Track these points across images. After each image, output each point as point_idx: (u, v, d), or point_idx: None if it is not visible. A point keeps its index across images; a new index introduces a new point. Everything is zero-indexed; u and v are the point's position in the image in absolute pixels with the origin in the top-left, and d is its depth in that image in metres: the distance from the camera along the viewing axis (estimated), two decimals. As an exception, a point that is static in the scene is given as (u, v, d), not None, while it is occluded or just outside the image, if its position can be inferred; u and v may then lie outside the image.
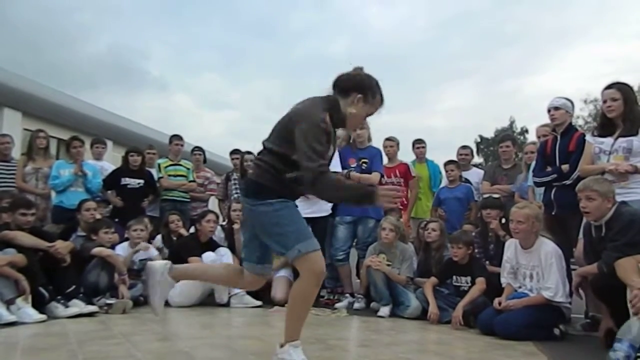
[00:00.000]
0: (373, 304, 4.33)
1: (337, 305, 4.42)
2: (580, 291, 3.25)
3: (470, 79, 50.15)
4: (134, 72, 48.33)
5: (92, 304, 3.67)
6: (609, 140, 3.41)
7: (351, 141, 4.95)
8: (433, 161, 5.94)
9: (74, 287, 3.68)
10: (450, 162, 5.38)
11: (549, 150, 3.94)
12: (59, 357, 2.33)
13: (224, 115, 58.02)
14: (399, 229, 4.32)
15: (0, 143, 5.38)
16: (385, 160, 5.13)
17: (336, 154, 4.71)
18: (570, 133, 3.87)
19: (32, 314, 3.24)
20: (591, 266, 3.03)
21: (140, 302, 4.16)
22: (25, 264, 3.45)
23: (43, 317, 3.29)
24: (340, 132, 5.15)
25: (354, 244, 4.81)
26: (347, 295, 4.60)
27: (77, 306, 3.54)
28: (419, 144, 5.87)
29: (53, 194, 5.18)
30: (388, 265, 4.22)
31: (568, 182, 3.60)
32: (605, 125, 3.49)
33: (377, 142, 5.10)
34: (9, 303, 3.22)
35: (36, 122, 9.90)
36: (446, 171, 5.33)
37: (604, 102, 3.45)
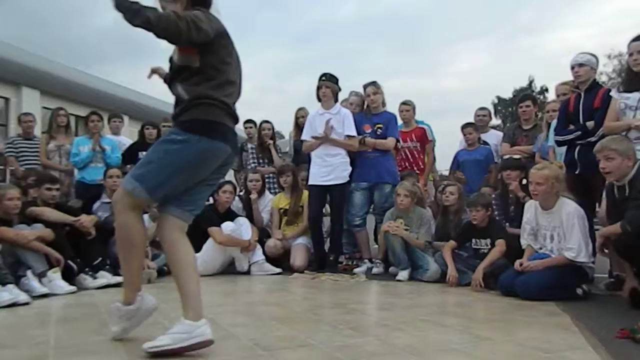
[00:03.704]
0: (392, 269, 4.36)
1: (356, 270, 4.47)
2: (606, 251, 3.20)
3: (486, 38, 48.76)
4: (142, 44, 48.15)
5: (119, 274, 3.78)
6: (635, 95, 3.28)
7: (365, 107, 4.89)
8: (423, 122, 5.70)
9: (100, 259, 3.80)
10: (467, 124, 5.26)
11: (572, 108, 3.81)
12: (90, 326, 2.43)
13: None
14: (414, 194, 4.29)
15: (23, 122, 5.48)
16: (400, 124, 5.06)
17: (351, 118, 4.63)
18: (594, 89, 3.72)
19: (63, 286, 3.37)
20: (614, 226, 2.97)
21: (164, 271, 4.27)
22: (53, 238, 3.57)
23: (73, 288, 3.41)
24: (354, 98, 5.10)
25: (371, 209, 4.81)
26: (366, 260, 4.63)
27: (105, 277, 3.66)
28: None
29: (76, 170, 5.27)
30: (406, 229, 4.22)
31: (593, 139, 3.48)
32: (631, 80, 3.35)
33: (392, 107, 5.02)
34: (40, 276, 3.35)
35: (54, 100, 10.05)
36: (464, 134, 5.22)
37: (631, 54, 3.30)
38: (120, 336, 2.10)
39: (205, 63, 1.94)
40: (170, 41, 1.89)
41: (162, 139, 2.01)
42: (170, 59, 2.04)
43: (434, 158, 5.55)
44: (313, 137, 4.58)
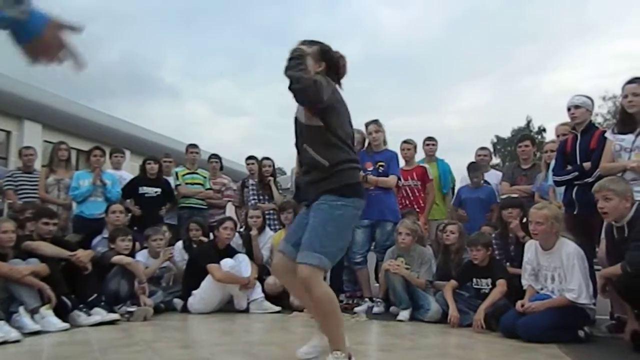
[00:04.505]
0: (392, 308, 4.30)
1: (356, 309, 4.40)
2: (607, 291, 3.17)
3: (486, 78, 49.85)
4: (146, 80, 49.06)
5: (114, 311, 3.72)
6: (629, 137, 3.34)
7: (367, 145, 4.94)
8: (444, 160, 5.78)
9: (95, 295, 3.73)
10: (473, 167, 5.30)
11: (569, 149, 3.87)
12: (83, 365, 2.36)
13: (237, 122, 58.65)
14: (415, 232, 4.29)
15: (24, 155, 5.51)
16: (402, 163, 5.10)
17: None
18: (591, 131, 3.80)
19: (56, 323, 3.29)
20: (615, 267, 2.97)
21: (161, 309, 4.20)
22: (48, 273, 3.51)
23: (66, 325, 3.34)
24: (355, 135, 5.16)
25: (373, 247, 4.78)
26: (366, 299, 4.57)
27: (99, 314, 3.58)
28: (429, 142, 5.72)
29: (74, 204, 5.27)
30: (407, 268, 4.18)
31: (590, 179, 3.53)
32: (625, 122, 3.41)
33: (393, 145, 5.09)
34: (33, 312, 3.28)
35: (56, 134, 10.13)
36: (474, 178, 5.23)
37: (625, 97, 3.37)
38: None
39: (330, 126, 2.18)
40: (299, 94, 2.12)
41: (322, 208, 2.18)
42: (296, 119, 2.27)
43: (452, 196, 5.58)
44: None
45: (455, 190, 5.60)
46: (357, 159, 2.32)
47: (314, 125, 2.18)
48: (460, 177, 5.65)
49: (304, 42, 2.28)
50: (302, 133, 2.25)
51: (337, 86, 2.30)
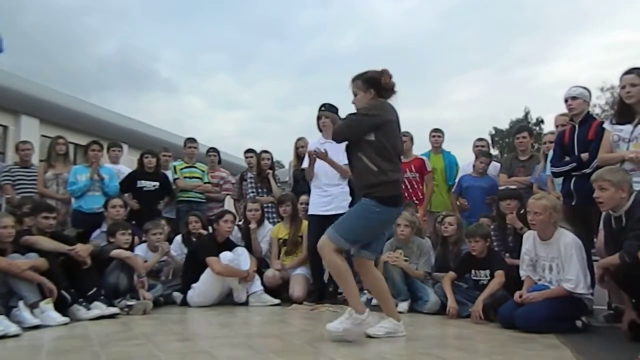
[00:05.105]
0: (391, 300, 4.30)
1: (355, 301, 4.40)
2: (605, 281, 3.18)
3: (483, 70, 49.67)
4: (143, 74, 48.87)
5: (113, 305, 3.72)
6: (628, 127, 3.33)
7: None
8: (450, 152, 5.78)
9: (95, 289, 3.73)
10: (483, 154, 5.31)
11: (567, 140, 3.87)
12: (82, 359, 2.37)
13: (234, 116, 58.55)
14: (414, 224, 4.29)
15: (21, 150, 5.50)
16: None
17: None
18: (588, 122, 3.79)
19: (56, 317, 3.30)
20: (613, 257, 2.97)
21: (160, 302, 4.21)
22: (47, 267, 3.51)
23: (66, 319, 3.34)
24: None
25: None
26: (365, 291, 4.57)
27: (99, 308, 3.58)
28: (435, 133, 5.72)
29: (73, 198, 5.26)
30: (405, 260, 4.19)
31: (588, 170, 3.52)
32: (623, 112, 3.40)
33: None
34: (32, 307, 3.28)
35: (53, 129, 10.08)
36: (480, 163, 5.23)
37: (623, 87, 3.36)
38: (340, 336, 2.67)
39: (380, 140, 2.67)
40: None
41: (363, 205, 2.69)
42: None
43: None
44: (312, 152, 4.21)
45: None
46: (399, 169, 2.77)
47: (368, 139, 2.68)
48: (461, 167, 5.66)
49: (353, 80, 2.78)
50: (358, 144, 2.72)
51: (388, 103, 2.78)
